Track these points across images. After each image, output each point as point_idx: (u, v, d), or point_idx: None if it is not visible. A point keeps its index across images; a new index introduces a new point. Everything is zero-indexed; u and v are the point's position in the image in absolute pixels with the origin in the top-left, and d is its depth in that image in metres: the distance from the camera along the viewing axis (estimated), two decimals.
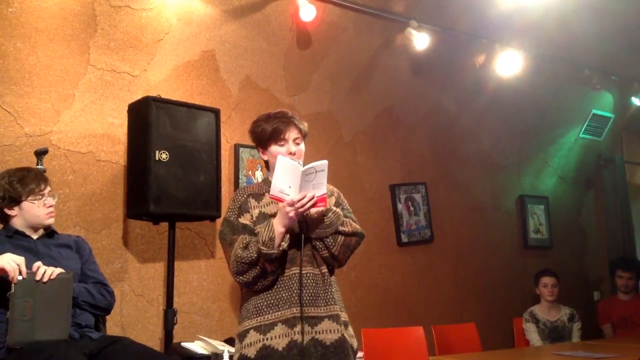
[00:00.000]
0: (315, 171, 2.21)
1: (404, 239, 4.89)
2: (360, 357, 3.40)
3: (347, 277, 4.42)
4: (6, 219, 2.64)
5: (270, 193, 2.24)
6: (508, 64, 5.34)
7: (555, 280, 4.88)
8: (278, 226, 2.24)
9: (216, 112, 3.51)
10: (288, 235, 2.27)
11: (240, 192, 2.48)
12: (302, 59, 4.47)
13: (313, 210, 2.29)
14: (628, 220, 6.44)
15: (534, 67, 5.58)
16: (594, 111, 6.48)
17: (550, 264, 5.40)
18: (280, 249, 2.23)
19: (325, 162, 2.23)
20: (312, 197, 2.21)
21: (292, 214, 2.21)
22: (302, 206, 2.20)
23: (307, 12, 4.29)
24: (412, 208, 4.97)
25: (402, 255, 4.88)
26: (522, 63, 5.38)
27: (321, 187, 2.23)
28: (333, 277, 2.45)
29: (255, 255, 2.24)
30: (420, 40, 4.82)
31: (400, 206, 4.90)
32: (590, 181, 6.54)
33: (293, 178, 2.19)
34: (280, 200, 2.23)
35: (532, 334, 4.73)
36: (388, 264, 4.78)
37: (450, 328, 4.35)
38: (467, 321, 4.64)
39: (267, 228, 2.25)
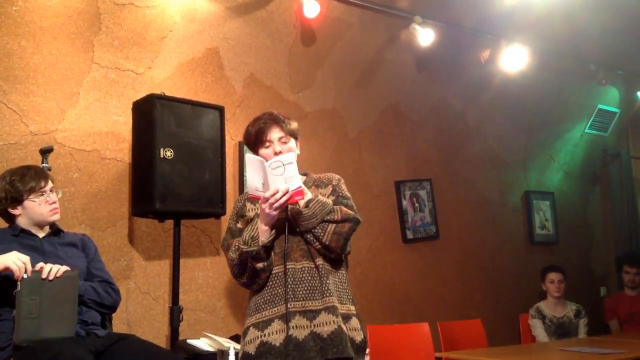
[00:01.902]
0: (283, 164, 2.17)
1: (410, 235, 4.88)
2: (366, 354, 3.39)
3: (352, 274, 4.42)
4: (11, 218, 2.64)
5: (249, 192, 2.25)
6: (513, 60, 5.32)
7: (562, 276, 4.86)
8: (261, 225, 2.25)
9: (220, 110, 3.51)
10: (273, 232, 2.27)
11: (239, 198, 2.51)
12: (307, 55, 4.46)
13: (302, 203, 2.27)
14: (634, 216, 6.42)
15: (539, 62, 5.55)
16: (600, 106, 6.45)
17: (557, 260, 5.39)
18: (261, 245, 2.23)
19: (291, 154, 2.22)
20: (286, 192, 2.18)
21: (267, 210, 2.20)
22: (276, 201, 2.18)
23: (311, 9, 4.28)
24: (417, 204, 4.96)
25: (408, 251, 4.88)
26: (528, 58, 5.36)
27: (294, 179, 2.19)
28: (341, 269, 2.41)
29: (241, 255, 2.26)
30: (424, 36, 4.80)
31: (405, 202, 4.89)
32: (596, 176, 6.51)
33: (262, 173, 2.18)
34: (257, 198, 2.23)
35: (539, 330, 4.71)
36: (393, 260, 4.77)
37: (456, 324, 4.34)
38: (473, 317, 4.63)
39: (250, 227, 2.27)
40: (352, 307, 2.38)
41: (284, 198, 2.18)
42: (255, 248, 2.22)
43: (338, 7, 4.61)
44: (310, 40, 4.50)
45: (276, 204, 2.18)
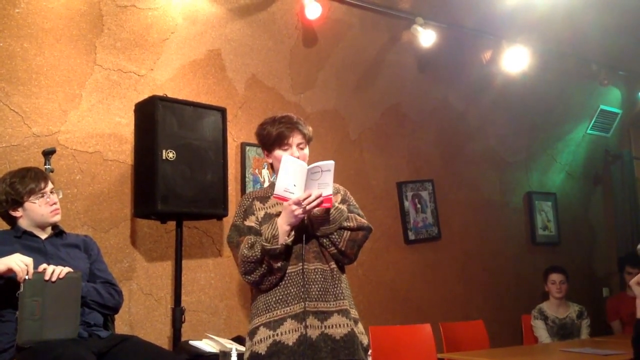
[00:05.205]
0: (321, 170, 2.22)
1: (411, 236, 4.88)
2: (368, 355, 3.39)
3: (354, 275, 4.42)
4: (13, 220, 2.64)
5: (275, 192, 2.26)
6: (515, 60, 5.32)
7: (564, 277, 4.85)
8: (283, 224, 2.26)
9: (222, 111, 3.52)
10: (293, 232, 2.29)
11: (246, 197, 2.53)
12: (308, 57, 4.47)
13: (317, 209, 2.30)
14: (636, 216, 6.40)
15: (541, 63, 5.56)
16: (602, 107, 6.44)
17: (559, 261, 5.37)
18: (284, 244, 2.25)
19: (331, 162, 2.25)
20: (319, 196, 2.22)
21: (297, 212, 2.23)
22: (308, 204, 2.22)
23: (313, 10, 4.29)
24: (419, 205, 4.96)
25: (410, 252, 4.87)
26: (529, 59, 5.36)
27: (327, 187, 2.24)
28: (345, 274, 2.46)
29: (260, 253, 2.26)
30: (426, 37, 4.81)
31: (407, 203, 4.89)
32: (598, 177, 6.51)
33: (298, 177, 2.20)
34: (284, 199, 2.24)
35: (541, 331, 4.71)
36: (396, 261, 4.77)
37: (459, 325, 4.34)
38: (475, 318, 4.63)
39: (271, 226, 2.28)
40: (356, 312, 2.44)
41: (315, 202, 2.23)
42: (278, 246, 2.24)
43: (339, 9, 4.61)
44: (312, 41, 4.50)
45: (308, 207, 2.22)
